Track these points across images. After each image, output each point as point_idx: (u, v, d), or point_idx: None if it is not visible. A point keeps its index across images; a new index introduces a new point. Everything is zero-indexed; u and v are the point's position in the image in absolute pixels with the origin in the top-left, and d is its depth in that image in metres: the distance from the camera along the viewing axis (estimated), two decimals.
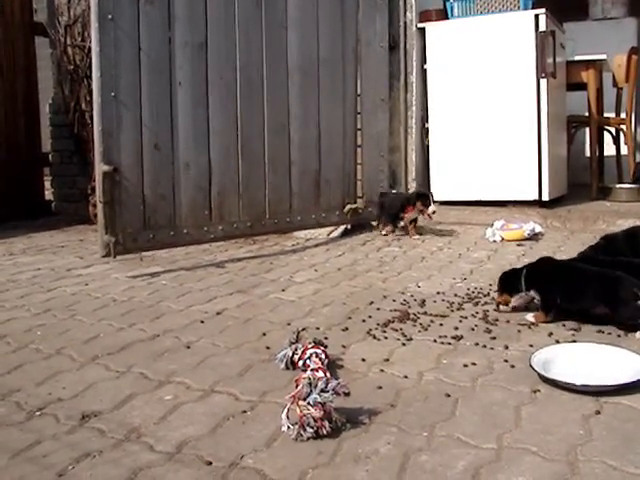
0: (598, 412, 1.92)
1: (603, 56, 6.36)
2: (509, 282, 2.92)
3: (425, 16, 5.95)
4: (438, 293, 3.31)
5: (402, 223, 4.95)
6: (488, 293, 3.23)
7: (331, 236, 5.03)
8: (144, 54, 3.95)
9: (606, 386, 2.06)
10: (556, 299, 2.81)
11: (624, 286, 2.65)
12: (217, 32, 4.26)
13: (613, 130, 7.09)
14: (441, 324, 2.79)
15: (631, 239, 3.30)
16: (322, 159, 4.84)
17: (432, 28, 5.84)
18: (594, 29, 7.79)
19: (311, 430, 1.78)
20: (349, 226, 5.16)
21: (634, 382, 2.06)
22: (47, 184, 6.95)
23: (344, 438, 1.80)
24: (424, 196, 4.76)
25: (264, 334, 2.72)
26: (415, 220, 4.89)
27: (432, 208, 4.70)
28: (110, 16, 3.79)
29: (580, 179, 6.80)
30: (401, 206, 4.85)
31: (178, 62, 4.10)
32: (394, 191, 5.43)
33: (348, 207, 4.97)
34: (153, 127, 4.03)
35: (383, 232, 5.04)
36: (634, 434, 1.79)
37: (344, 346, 2.54)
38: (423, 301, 3.15)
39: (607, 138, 7.11)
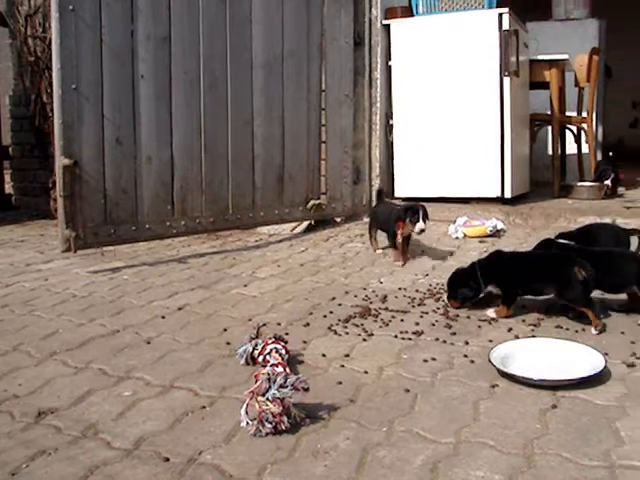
0: (555, 406, 1.95)
1: (565, 56, 6.43)
2: (461, 283, 2.94)
3: (390, 13, 5.95)
4: (400, 289, 3.32)
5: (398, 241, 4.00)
6: None
7: (295, 232, 5.03)
8: (106, 46, 3.91)
9: (563, 380, 2.09)
10: (517, 291, 2.84)
11: (569, 266, 2.70)
12: (181, 26, 4.22)
13: (575, 129, 7.17)
14: (402, 320, 2.80)
15: (586, 236, 3.34)
16: (286, 154, 4.83)
17: (397, 25, 5.85)
18: (557, 29, 7.87)
19: (270, 426, 1.78)
20: (313, 222, 5.16)
21: (590, 376, 2.10)
22: (7, 177, 6.85)
23: (303, 433, 1.80)
24: (413, 210, 3.90)
25: (225, 330, 2.71)
26: (408, 238, 4.04)
27: (420, 226, 3.82)
28: (71, 7, 3.73)
29: (543, 177, 6.87)
30: (394, 222, 3.99)
31: (141, 55, 4.06)
32: (386, 201, 4.70)
33: (312, 203, 4.97)
34: (115, 120, 3.99)
35: (379, 250, 4.30)
36: (589, 427, 1.82)
37: (305, 342, 2.54)
38: (385, 297, 3.16)
39: (569, 137, 7.19)
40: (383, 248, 4.27)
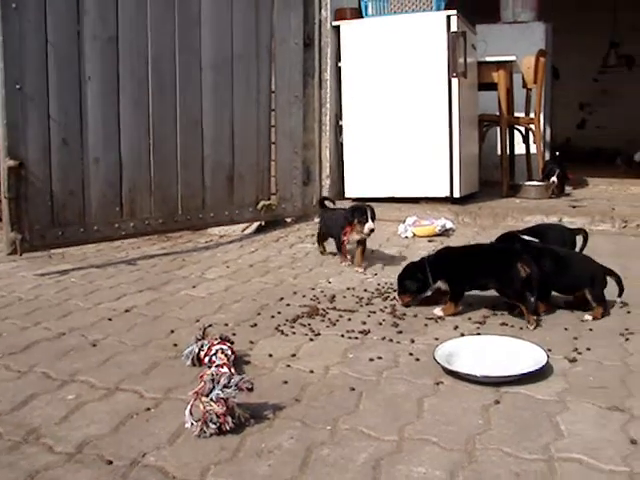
0: (497, 402, 1.98)
1: (513, 58, 6.53)
2: (411, 278, 2.96)
3: (340, 14, 5.98)
4: (348, 289, 3.34)
5: (346, 247, 3.92)
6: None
7: (245, 232, 5.02)
8: (51, 46, 3.85)
9: (506, 376, 2.12)
10: (464, 286, 2.88)
11: (512, 261, 2.76)
12: (128, 26, 4.19)
13: (523, 129, 7.27)
14: (349, 319, 2.82)
15: (533, 235, 3.38)
16: (235, 155, 4.82)
17: (346, 26, 5.87)
18: (505, 32, 7.98)
19: (214, 426, 1.78)
20: (263, 223, 5.15)
21: (532, 372, 2.13)
22: None
23: (248, 433, 1.80)
24: (360, 211, 3.77)
25: (172, 331, 2.70)
26: (363, 244, 3.87)
27: (369, 225, 3.70)
28: (14, 5, 3.67)
29: (492, 176, 6.96)
30: (342, 227, 3.83)
31: (87, 55, 4.01)
32: (333, 206, 4.50)
33: (262, 204, 4.97)
34: (61, 121, 3.94)
35: (326, 255, 4.19)
36: (530, 422, 1.86)
37: (252, 342, 2.54)
38: (333, 296, 3.17)
39: (518, 137, 7.30)
40: (333, 253, 4.16)
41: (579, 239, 3.46)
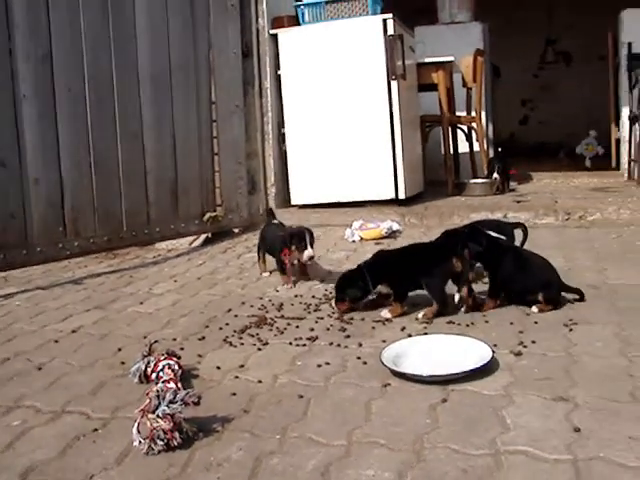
0: (445, 400, 2.00)
1: (451, 58, 6.62)
2: (350, 285, 2.97)
3: (277, 22, 5.99)
4: (296, 296, 3.34)
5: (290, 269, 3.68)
6: None
7: (193, 245, 4.99)
8: None
9: (452, 374, 2.14)
10: (406, 286, 2.91)
11: (447, 257, 2.83)
12: (62, 43, 4.13)
13: (465, 128, 7.37)
14: (297, 326, 2.82)
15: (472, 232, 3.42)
16: (178, 168, 4.79)
17: (284, 34, 5.89)
18: (443, 33, 8.09)
19: (162, 443, 1.77)
20: (210, 235, 5.13)
21: (477, 368, 2.16)
22: None
23: (196, 448, 1.79)
24: (298, 237, 3.55)
25: (120, 349, 2.67)
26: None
27: (308, 253, 3.49)
28: None
29: (437, 176, 7.03)
30: (279, 250, 3.64)
31: (21, 74, 3.95)
32: (275, 222, 4.12)
33: (207, 215, 4.95)
34: None
35: (265, 273, 3.94)
36: (476, 418, 1.88)
37: (200, 355, 2.52)
38: (281, 305, 3.17)
39: (461, 136, 7.38)
40: (271, 271, 3.92)
41: (519, 234, 3.50)
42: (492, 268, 2.94)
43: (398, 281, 2.93)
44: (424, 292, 2.91)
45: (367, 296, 2.96)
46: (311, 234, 3.57)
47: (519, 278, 2.91)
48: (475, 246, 2.90)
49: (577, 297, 2.98)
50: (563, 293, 2.97)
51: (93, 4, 4.26)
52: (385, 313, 2.88)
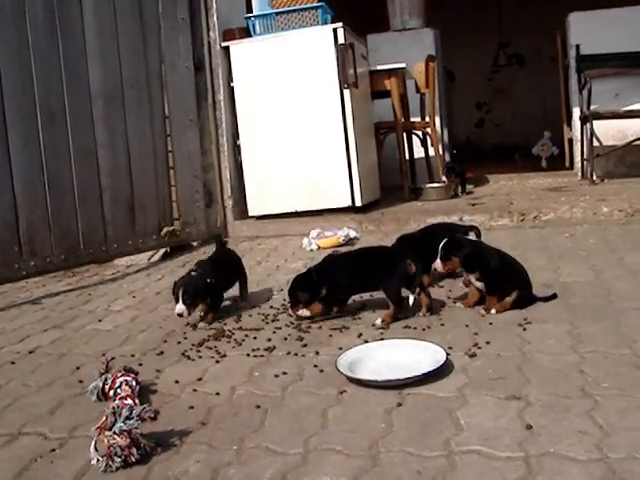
0: (400, 404, 2.03)
1: (402, 65, 6.66)
2: (301, 289, 2.98)
3: (229, 35, 5.99)
4: (254, 307, 3.35)
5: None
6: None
7: (151, 260, 4.97)
8: None
9: (407, 378, 2.17)
10: (350, 290, 3.04)
11: (397, 260, 2.92)
12: (11, 64, 4.09)
13: (420, 133, 7.43)
14: (255, 337, 2.83)
15: (426, 236, 3.48)
16: (134, 184, 4.78)
17: (236, 47, 5.89)
18: (396, 40, 8.14)
19: (119, 460, 1.77)
20: (169, 249, 5.12)
21: (431, 371, 2.19)
22: None
23: (155, 462, 1.80)
24: (174, 288, 3.09)
25: (78, 368, 2.66)
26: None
27: (177, 310, 3.01)
28: None
29: (394, 182, 7.07)
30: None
31: None
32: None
33: (165, 230, 4.94)
34: None
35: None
36: (431, 420, 1.91)
37: (158, 370, 2.53)
38: (239, 317, 3.18)
39: (417, 141, 7.44)
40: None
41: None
42: (483, 269, 2.96)
43: (342, 284, 2.97)
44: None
45: (315, 299, 2.96)
46: (185, 289, 3.03)
47: (500, 277, 2.96)
48: (463, 251, 2.94)
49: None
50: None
51: (40, 24, 4.23)
52: (379, 321, 2.88)
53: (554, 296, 3.04)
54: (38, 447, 1.96)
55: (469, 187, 7.06)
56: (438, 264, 2.96)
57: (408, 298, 2.89)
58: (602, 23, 7.12)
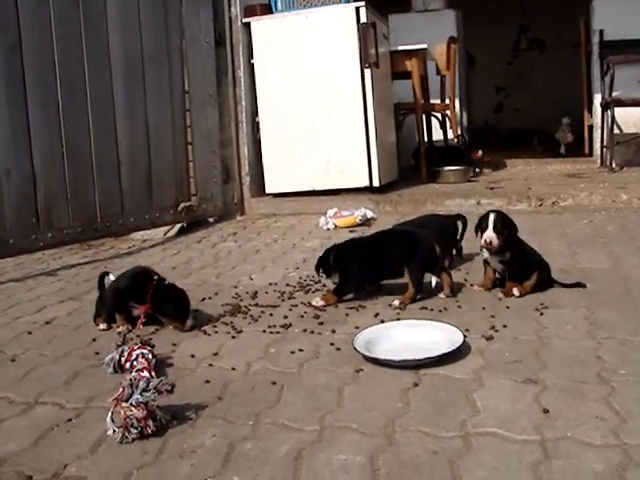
0: (416, 384, 2.03)
1: (424, 45, 6.61)
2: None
3: (250, 11, 5.96)
4: (270, 284, 3.35)
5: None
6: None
7: (167, 235, 4.98)
8: None
9: (423, 359, 2.16)
10: (363, 276, 2.99)
11: (427, 242, 2.92)
12: (32, 31, 4.08)
13: (440, 115, 7.38)
14: (271, 314, 2.83)
15: (417, 226, 3.45)
16: (152, 158, 4.77)
17: (257, 23, 5.86)
18: (416, 21, 8.07)
19: (135, 431, 1.77)
20: (185, 224, 5.12)
21: (449, 352, 2.18)
22: None
23: (170, 435, 1.80)
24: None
25: (94, 340, 2.66)
26: None
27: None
28: None
29: (412, 164, 7.03)
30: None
31: None
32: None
33: (182, 205, 4.94)
34: None
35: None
36: (447, 401, 1.90)
37: (174, 344, 2.53)
38: (255, 293, 3.18)
39: (436, 123, 7.40)
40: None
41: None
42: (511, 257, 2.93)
43: (351, 270, 2.94)
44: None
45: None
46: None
47: (522, 261, 2.95)
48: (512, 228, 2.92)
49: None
50: None
51: None
52: (396, 302, 2.87)
53: (579, 284, 3.00)
54: (54, 416, 1.97)
55: (487, 170, 7.02)
56: (494, 237, 2.83)
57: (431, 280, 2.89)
58: (627, 9, 7.02)
